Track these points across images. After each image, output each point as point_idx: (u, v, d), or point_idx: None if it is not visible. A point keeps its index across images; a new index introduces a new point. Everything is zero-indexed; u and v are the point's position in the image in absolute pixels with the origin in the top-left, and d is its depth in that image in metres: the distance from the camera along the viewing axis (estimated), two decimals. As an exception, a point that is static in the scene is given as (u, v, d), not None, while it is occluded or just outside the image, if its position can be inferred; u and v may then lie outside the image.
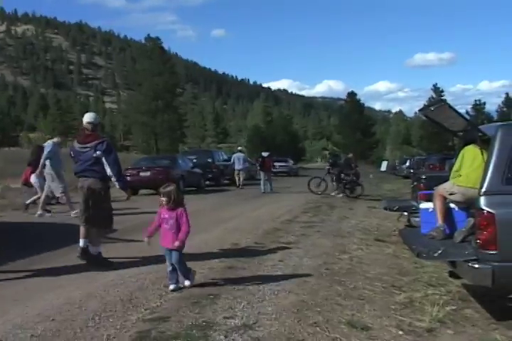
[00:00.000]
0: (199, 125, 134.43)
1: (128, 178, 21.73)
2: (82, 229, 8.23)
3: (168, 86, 68.76)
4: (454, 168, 7.09)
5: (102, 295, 6.21)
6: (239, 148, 32.96)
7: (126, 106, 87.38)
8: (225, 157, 34.52)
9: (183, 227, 6.36)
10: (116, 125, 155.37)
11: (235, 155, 29.13)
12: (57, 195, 14.72)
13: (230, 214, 14.47)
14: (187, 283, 6.51)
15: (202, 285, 6.61)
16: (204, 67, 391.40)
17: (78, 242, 8.21)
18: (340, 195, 22.31)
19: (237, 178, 28.27)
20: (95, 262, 8.01)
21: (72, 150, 8.63)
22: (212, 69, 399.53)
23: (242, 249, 9.24)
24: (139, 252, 8.84)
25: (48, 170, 14.11)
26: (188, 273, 6.56)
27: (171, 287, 6.38)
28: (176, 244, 6.27)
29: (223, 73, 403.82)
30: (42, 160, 13.95)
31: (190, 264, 7.44)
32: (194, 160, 28.35)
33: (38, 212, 14.08)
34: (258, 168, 27.53)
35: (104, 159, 8.20)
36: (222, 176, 31.17)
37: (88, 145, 8.32)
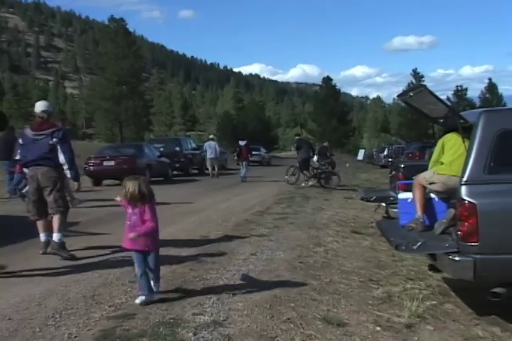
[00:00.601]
0: (166, 112, 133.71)
1: (91, 168, 21.72)
2: (40, 223, 8.32)
3: (133, 70, 68.32)
4: (433, 157, 7.13)
5: (63, 291, 6.14)
6: (210, 136, 33.02)
7: (88, 92, 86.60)
8: (194, 145, 34.41)
9: (148, 223, 5.68)
10: (77, 112, 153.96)
11: (206, 144, 29.25)
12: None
13: (199, 206, 14.44)
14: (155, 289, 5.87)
15: (169, 280, 6.59)
16: (171, 50, 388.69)
17: (37, 236, 8.30)
18: (307, 184, 22.29)
19: (210, 168, 28.33)
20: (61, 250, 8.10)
21: (23, 138, 8.65)
22: (180, 52, 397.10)
23: (211, 242, 9.20)
24: (102, 246, 8.80)
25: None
26: (159, 278, 5.96)
27: (143, 298, 5.62)
28: (131, 235, 5.57)
29: (192, 57, 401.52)
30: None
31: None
32: (161, 149, 28.19)
33: None
34: (235, 157, 28.22)
35: (59, 147, 8.31)
36: (191, 165, 31.07)
37: (44, 132, 8.35)
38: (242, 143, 28.11)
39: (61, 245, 8.13)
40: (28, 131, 8.61)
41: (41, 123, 8.56)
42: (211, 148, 27.96)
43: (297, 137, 25.30)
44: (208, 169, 28.27)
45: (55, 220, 8.23)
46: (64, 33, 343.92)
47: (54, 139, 8.30)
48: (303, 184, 22.45)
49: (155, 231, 5.79)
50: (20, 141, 8.82)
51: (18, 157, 9.24)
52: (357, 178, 29.29)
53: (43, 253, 8.22)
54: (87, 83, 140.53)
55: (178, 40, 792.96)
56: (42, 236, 8.29)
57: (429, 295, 6.51)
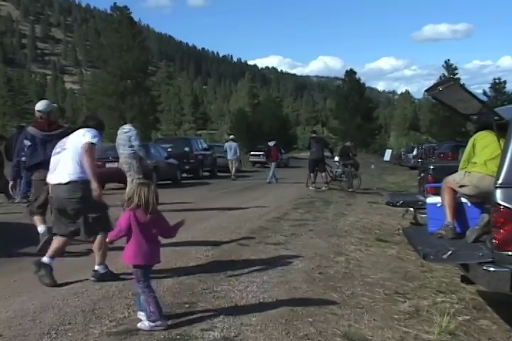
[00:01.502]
0: (175, 109, 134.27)
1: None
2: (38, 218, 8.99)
3: (138, 63, 68.45)
4: (463, 157, 7.09)
5: (60, 305, 6.14)
6: (231, 136, 33.60)
7: (90, 87, 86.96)
8: (205, 145, 34.45)
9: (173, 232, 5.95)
10: (78, 109, 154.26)
11: (226, 144, 29.87)
12: None
13: (209, 211, 14.47)
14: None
15: (176, 292, 6.60)
16: (180, 41, 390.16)
17: (34, 245, 8.61)
18: (310, 188, 22.57)
19: (232, 170, 29.55)
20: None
21: (32, 139, 8.81)
22: (190, 44, 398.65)
23: (223, 250, 9.24)
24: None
25: (128, 159, 14.26)
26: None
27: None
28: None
29: (203, 49, 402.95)
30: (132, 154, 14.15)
31: (163, 268, 7.45)
32: (169, 150, 28.26)
33: None
34: (264, 158, 30.71)
35: None
36: (202, 167, 31.13)
37: (53, 133, 8.62)
38: (271, 143, 28.70)
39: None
40: (37, 131, 8.81)
41: (51, 124, 8.92)
42: (232, 149, 28.56)
43: (312, 135, 25.31)
44: (219, 171, 28.53)
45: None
46: (62, 23, 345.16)
47: None
48: (323, 187, 22.48)
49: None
50: (28, 142, 8.92)
51: (23, 158, 9.13)
52: (383, 181, 29.25)
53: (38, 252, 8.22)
54: (88, 78, 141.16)
55: (188, 31, 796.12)
56: (44, 230, 8.83)
57: (461, 310, 6.47)
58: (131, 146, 14.13)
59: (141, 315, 5.45)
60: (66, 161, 7.17)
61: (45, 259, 7.14)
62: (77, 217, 7.15)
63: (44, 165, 8.31)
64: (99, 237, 7.22)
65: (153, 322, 5.29)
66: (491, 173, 6.24)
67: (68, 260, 8.54)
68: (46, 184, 7.82)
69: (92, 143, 7.18)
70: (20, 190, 15.00)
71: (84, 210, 7.12)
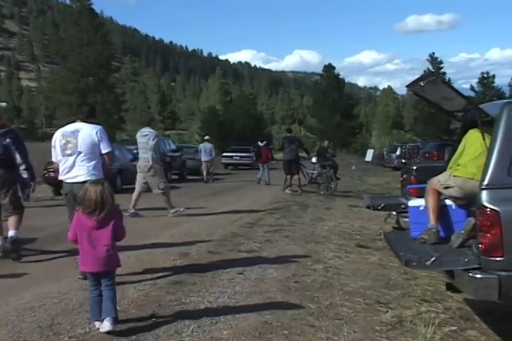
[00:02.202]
0: (141, 108, 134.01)
1: (51, 174, 21.66)
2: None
3: (100, 59, 68.21)
4: (454, 157, 7.13)
5: (15, 321, 6.07)
6: (206, 137, 33.96)
7: (48, 85, 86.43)
8: (173, 147, 34.40)
9: (120, 236, 5.84)
10: (36, 108, 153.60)
11: (201, 145, 30.15)
12: (155, 191, 15.36)
13: (178, 218, 14.43)
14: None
15: (142, 305, 6.58)
16: (146, 35, 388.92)
17: None
18: (287, 191, 22.58)
19: (204, 172, 29.85)
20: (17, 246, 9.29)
21: None
22: (157, 37, 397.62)
23: (193, 259, 9.23)
24: (63, 266, 8.80)
25: (146, 162, 15.00)
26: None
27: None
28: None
29: (170, 43, 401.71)
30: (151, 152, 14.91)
31: (128, 279, 7.44)
32: (135, 151, 28.15)
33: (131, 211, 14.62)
34: (254, 158, 31.24)
35: (14, 147, 9.25)
36: (170, 170, 31.04)
37: None
38: (261, 143, 28.95)
39: (15, 242, 9.18)
40: None
41: None
42: (207, 150, 28.82)
43: (287, 134, 25.33)
44: (189, 174, 28.54)
45: (13, 220, 9.34)
46: (17, 15, 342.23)
47: (8, 140, 9.15)
48: (299, 191, 22.58)
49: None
50: None
51: None
52: (364, 183, 29.42)
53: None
54: (46, 74, 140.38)
55: (154, 24, 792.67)
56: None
57: (447, 320, 6.51)
58: (150, 149, 14.90)
59: (98, 323, 5.60)
60: (82, 163, 7.87)
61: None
62: None
63: None
64: None
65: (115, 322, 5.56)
66: (471, 176, 6.30)
67: (24, 271, 8.50)
68: None
69: (111, 152, 8.20)
70: None
71: None
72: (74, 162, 7.93)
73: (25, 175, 9.55)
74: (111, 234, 5.70)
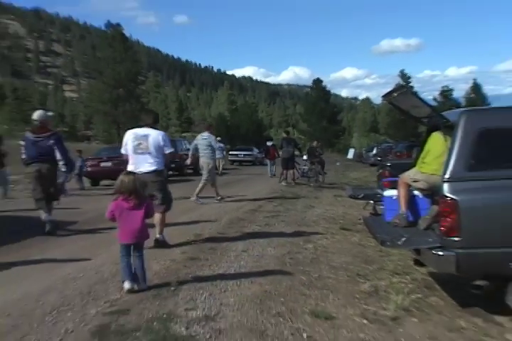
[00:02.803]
0: (162, 114, 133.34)
1: (89, 169, 21.69)
2: (41, 206, 9.94)
3: (130, 74, 68.25)
4: (421, 156, 7.13)
5: (61, 288, 6.12)
6: (218, 138, 33.86)
7: (86, 95, 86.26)
8: (188, 146, 34.35)
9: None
10: (76, 115, 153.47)
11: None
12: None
13: (192, 205, 14.39)
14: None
15: (163, 277, 6.58)
16: (167, 54, 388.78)
17: (39, 235, 9.53)
18: (283, 183, 22.46)
19: (219, 168, 29.85)
20: (55, 227, 9.88)
21: (26, 140, 10.12)
22: (176, 56, 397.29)
23: (204, 239, 9.20)
24: (99, 244, 8.80)
25: (207, 160, 15.65)
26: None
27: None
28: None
29: (186, 61, 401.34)
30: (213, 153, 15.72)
31: (150, 255, 7.45)
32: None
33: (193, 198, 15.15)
34: (263, 155, 31.77)
35: (56, 147, 9.93)
36: (186, 166, 31.03)
37: (41, 135, 9.97)
38: (269, 143, 29.63)
39: (53, 222, 9.95)
40: (29, 134, 10.16)
41: (40, 128, 10.12)
42: (219, 150, 29.34)
43: (284, 135, 25.33)
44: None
45: (51, 205, 10.17)
46: (63, 39, 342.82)
47: (51, 141, 9.92)
48: (293, 183, 22.58)
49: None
50: (23, 142, 10.22)
51: (23, 156, 10.23)
52: (346, 177, 29.28)
53: (47, 233, 9.68)
54: (85, 87, 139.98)
55: (174, 45, 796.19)
56: (48, 216, 9.89)
57: (414, 289, 6.50)
58: (211, 150, 15.63)
59: (126, 283, 5.97)
60: (151, 160, 8.51)
61: (159, 236, 8.57)
62: (159, 197, 8.53)
63: (36, 160, 9.92)
64: (160, 214, 8.57)
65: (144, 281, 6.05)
66: (434, 172, 6.35)
67: (67, 249, 8.51)
68: (38, 175, 9.86)
69: (172, 151, 8.93)
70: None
71: (163, 189, 8.64)
72: (145, 159, 8.52)
73: (63, 169, 10.11)
74: (143, 213, 6.05)
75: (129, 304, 5.43)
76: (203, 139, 15.85)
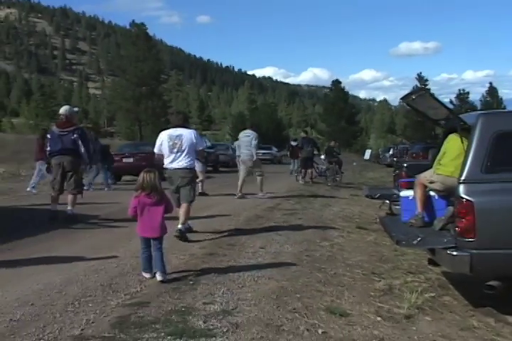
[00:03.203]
0: (184, 112, 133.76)
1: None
2: (56, 197, 10.61)
3: (152, 72, 68.34)
4: (438, 157, 7.12)
5: (83, 280, 6.17)
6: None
7: (110, 93, 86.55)
8: (209, 144, 34.48)
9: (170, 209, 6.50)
10: (100, 111, 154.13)
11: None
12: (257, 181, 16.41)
13: (212, 201, 14.43)
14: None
15: (182, 271, 6.61)
16: (189, 53, 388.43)
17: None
18: (300, 182, 22.43)
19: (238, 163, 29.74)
20: (71, 219, 10.33)
21: (51, 134, 10.73)
22: (197, 56, 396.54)
23: (223, 235, 9.23)
24: (120, 237, 8.86)
25: (248, 156, 15.97)
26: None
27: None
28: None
29: (208, 60, 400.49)
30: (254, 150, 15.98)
31: (170, 250, 7.49)
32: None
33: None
34: (288, 155, 32.00)
35: (80, 141, 10.49)
36: (206, 163, 31.09)
37: (66, 129, 10.51)
38: (294, 143, 29.82)
39: (72, 216, 10.43)
40: (54, 128, 10.76)
41: (64, 123, 10.67)
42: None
43: (303, 135, 25.30)
44: (221, 166, 28.64)
45: (70, 198, 10.57)
46: (88, 37, 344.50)
47: (75, 136, 10.48)
48: (310, 182, 22.56)
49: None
50: (49, 136, 10.82)
51: (48, 148, 10.83)
52: (363, 177, 29.27)
53: (49, 220, 10.18)
54: (109, 84, 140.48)
55: (196, 44, 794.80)
56: (54, 207, 10.53)
57: (428, 288, 6.50)
58: (252, 147, 15.89)
59: (146, 274, 6.29)
60: (185, 157, 8.96)
61: (180, 227, 8.78)
62: (187, 190, 8.99)
63: (59, 152, 10.50)
64: (187, 204, 8.99)
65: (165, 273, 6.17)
66: (451, 174, 6.33)
67: (89, 242, 8.58)
68: (60, 166, 10.47)
69: (204, 148, 10.00)
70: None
71: (191, 184, 9.11)
72: (179, 156, 8.97)
73: (86, 161, 11.00)
74: (163, 209, 6.23)
75: (149, 297, 5.47)
76: (246, 136, 16.24)
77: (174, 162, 8.99)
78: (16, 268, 6.77)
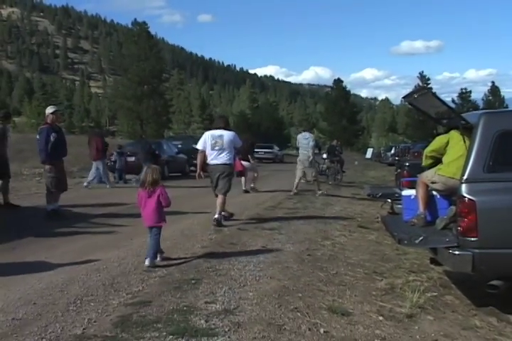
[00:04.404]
0: (185, 111, 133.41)
1: (112, 163, 21.84)
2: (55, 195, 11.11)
3: (154, 71, 68.25)
4: (430, 147, 7.15)
5: (84, 279, 6.17)
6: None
7: (111, 91, 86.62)
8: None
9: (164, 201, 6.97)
10: (102, 110, 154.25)
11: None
12: (309, 178, 18.11)
13: (213, 200, 14.36)
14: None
15: (184, 270, 6.61)
16: (191, 52, 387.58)
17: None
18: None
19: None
20: (54, 215, 10.75)
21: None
22: (199, 54, 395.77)
23: (225, 234, 9.22)
24: (121, 237, 8.87)
25: (306, 157, 17.06)
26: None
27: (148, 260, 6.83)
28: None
29: (210, 59, 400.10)
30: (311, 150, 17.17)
31: (173, 249, 7.49)
32: (179, 146, 28.18)
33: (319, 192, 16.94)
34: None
35: (38, 141, 11.01)
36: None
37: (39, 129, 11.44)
38: (334, 142, 29.41)
39: (53, 212, 10.89)
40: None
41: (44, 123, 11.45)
42: None
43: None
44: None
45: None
46: (90, 36, 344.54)
47: (37, 136, 11.16)
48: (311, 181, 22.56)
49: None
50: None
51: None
52: (365, 175, 29.26)
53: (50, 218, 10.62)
54: (110, 83, 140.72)
55: (197, 43, 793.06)
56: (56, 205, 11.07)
57: (430, 287, 6.50)
58: (310, 148, 17.06)
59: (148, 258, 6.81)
60: (225, 154, 10.39)
61: (217, 216, 10.16)
62: (224, 182, 10.38)
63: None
64: (222, 196, 10.38)
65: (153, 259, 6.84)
66: (452, 175, 6.32)
67: (90, 241, 8.58)
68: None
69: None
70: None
71: (226, 178, 10.40)
72: (220, 154, 10.37)
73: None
74: (156, 201, 6.87)
75: (151, 296, 5.46)
76: (305, 139, 17.32)
77: (216, 158, 10.35)
78: (18, 268, 6.78)
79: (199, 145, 10.63)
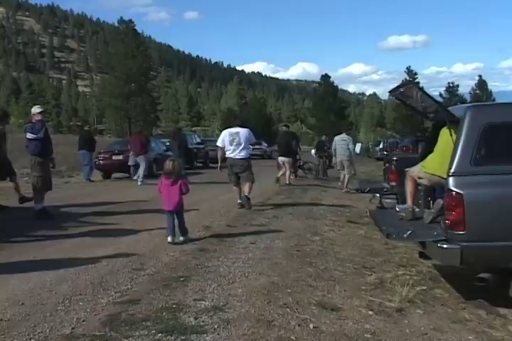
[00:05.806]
0: (173, 108, 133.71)
1: (101, 162, 21.79)
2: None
3: (141, 69, 68.32)
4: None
5: (73, 279, 6.13)
6: None
7: (99, 90, 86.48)
8: (199, 140, 34.46)
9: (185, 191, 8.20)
10: (89, 109, 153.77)
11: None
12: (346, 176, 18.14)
13: (202, 197, 14.36)
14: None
15: (173, 267, 6.58)
16: (178, 50, 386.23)
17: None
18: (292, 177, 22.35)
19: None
20: (43, 215, 10.62)
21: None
22: (186, 52, 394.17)
23: (213, 231, 9.19)
24: (110, 235, 8.82)
25: (345, 158, 17.96)
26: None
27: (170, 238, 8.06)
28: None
29: (197, 56, 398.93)
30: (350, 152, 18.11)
31: (162, 247, 7.47)
32: (167, 144, 28.09)
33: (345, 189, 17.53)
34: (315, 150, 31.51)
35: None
36: (196, 159, 31.00)
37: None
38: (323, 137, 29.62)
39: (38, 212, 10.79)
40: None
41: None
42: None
43: (284, 128, 24.25)
44: (211, 162, 28.62)
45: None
46: (76, 35, 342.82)
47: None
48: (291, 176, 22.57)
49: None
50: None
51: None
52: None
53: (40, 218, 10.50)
54: (98, 82, 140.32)
55: (184, 40, 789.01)
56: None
57: (419, 281, 6.51)
58: (348, 149, 18.01)
59: (169, 237, 8.04)
60: (242, 150, 11.89)
61: (246, 195, 12.10)
62: (247, 174, 12.01)
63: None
64: (250, 183, 12.06)
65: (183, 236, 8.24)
66: (433, 172, 6.34)
67: (79, 240, 8.54)
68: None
69: (254, 142, 13.47)
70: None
71: (248, 170, 12.01)
72: (237, 149, 11.85)
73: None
74: (178, 188, 8.03)
75: (139, 294, 5.44)
76: (342, 140, 18.21)
77: (234, 152, 11.81)
78: (5, 268, 6.71)
79: (218, 143, 12.22)
